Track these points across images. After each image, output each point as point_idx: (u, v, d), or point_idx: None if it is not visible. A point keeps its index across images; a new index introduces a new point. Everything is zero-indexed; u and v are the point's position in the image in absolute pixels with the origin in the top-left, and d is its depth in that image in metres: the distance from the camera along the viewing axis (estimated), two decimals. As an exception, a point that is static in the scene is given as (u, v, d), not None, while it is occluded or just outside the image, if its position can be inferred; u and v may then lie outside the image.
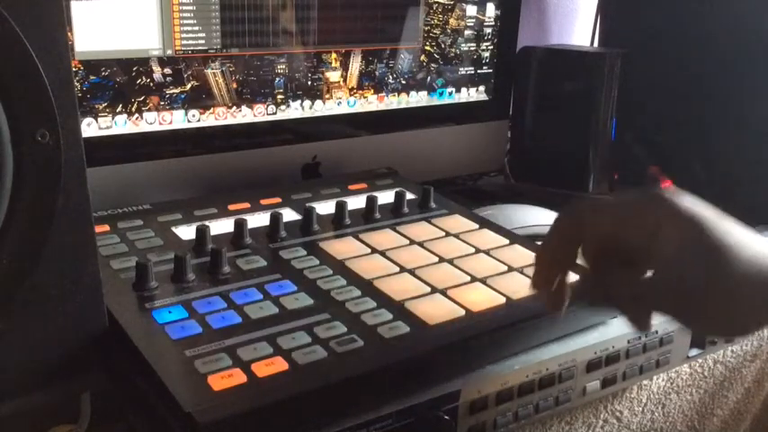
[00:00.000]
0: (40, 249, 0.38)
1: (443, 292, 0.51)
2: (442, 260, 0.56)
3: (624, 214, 0.43)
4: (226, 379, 0.40)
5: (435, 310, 0.49)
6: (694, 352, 0.59)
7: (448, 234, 0.61)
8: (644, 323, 0.43)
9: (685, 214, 0.41)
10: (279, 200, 0.65)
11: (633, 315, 0.43)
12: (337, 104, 0.77)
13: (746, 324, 0.42)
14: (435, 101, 0.85)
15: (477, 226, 0.63)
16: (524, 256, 0.58)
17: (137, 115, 0.66)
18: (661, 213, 0.41)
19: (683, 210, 0.41)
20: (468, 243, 0.59)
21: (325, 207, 0.63)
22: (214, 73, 0.69)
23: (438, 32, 0.82)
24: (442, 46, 0.83)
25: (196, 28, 0.66)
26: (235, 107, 0.71)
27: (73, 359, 0.42)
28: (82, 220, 0.40)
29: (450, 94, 0.86)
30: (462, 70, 0.86)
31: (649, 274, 0.43)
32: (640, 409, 0.61)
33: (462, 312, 0.49)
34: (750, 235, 0.41)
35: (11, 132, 0.36)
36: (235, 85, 0.70)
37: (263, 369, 0.42)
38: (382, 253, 0.57)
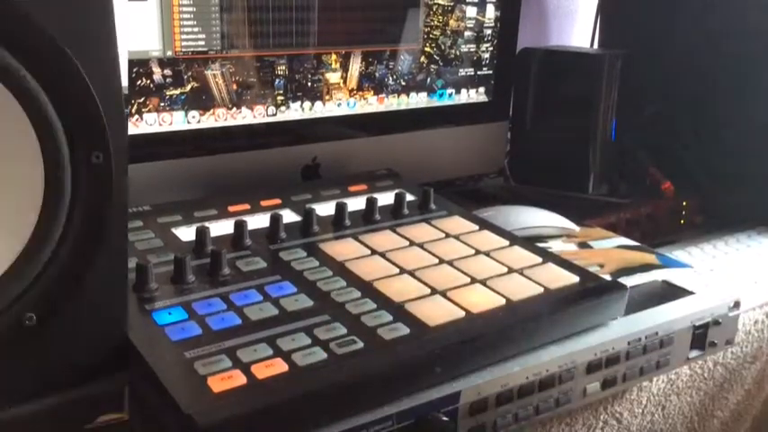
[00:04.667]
0: (92, 257, 0.42)
1: (443, 294, 0.51)
2: (441, 261, 0.56)
3: None
4: (225, 380, 0.40)
5: (435, 312, 0.49)
6: (694, 353, 0.59)
7: (448, 235, 0.61)
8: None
9: None
10: (279, 201, 0.65)
11: None
12: (337, 106, 0.77)
13: None
14: (435, 102, 0.85)
15: (476, 227, 0.63)
16: (524, 258, 0.58)
17: (137, 116, 0.66)
18: None
19: None
20: (467, 244, 0.59)
21: (325, 208, 0.63)
22: (214, 74, 0.69)
23: (438, 34, 0.82)
24: (442, 47, 0.83)
25: (196, 29, 0.66)
26: (235, 108, 0.71)
27: (117, 355, 0.44)
28: (123, 231, 0.44)
29: (450, 95, 0.86)
30: (462, 71, 0.86)
31: None
32: (640, 410, 0.61)
33: (462, 314, 0.49)
34: None
35: (69, 153, 0.40)
36: (235, 87, 0.70)
37: (262, 371, 0.42)
38: (382, 254, 0.57)
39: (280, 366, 0.42)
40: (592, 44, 1.04)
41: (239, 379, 0.41)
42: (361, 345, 0.45)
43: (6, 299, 0.40)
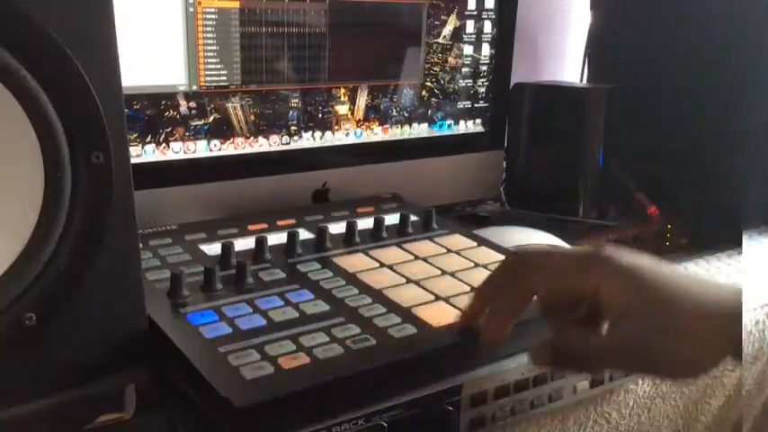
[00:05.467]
0: (92, 257, 0.43)
1: (446, 300, 0.57)
2: (444, 273, 0.62)
3: (566, 274, 0.45)
4: (256, 370, 0.45)
5: (439, 315, 0.54)
6: (676, 357, 0.64)
7: (449, 251, 0.67)
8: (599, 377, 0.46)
9: (623, 270, 0.42)
10: (293, 221, 0.70)
11: (589, 373, 0.46)
12: (345, 135, 0.83)
13: (702, 364, 0.43)
14: (435, 132, 0.91)
15: (475, 244, 0.69)
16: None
17: (164, 145, 0.72)
18: (600, 272, 0.43)
19: (620, 266, 0.43)
20: (467, 258, 0.65)
21: (336, 227, 0.68)
22: (234, 106, 0.75)
23: (438, 70, 0.89)
24: (442, 82, 0.90)
25: (219, 66, 0.73)
26: (252, 137, 0.77)
27: (117, 356, 0.46)
28: (128, 232, 0.45)
29: (449, 126, 0.92)
30: (460, 104, 0.92)
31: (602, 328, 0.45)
32: (627, 412, 0.66)
33: (463, 316, 0.55)
34: (692, 278, 0.44)
35: (69, 154, 0.41)
36: (253, 118, 0.76)
37: (288, 362, 0.47)
38: (390, 267, 0.62)
39: (302, 359, 0.47)
40: (581, 80, 1.10)
41: (268, 369, 0.46)
42: (373, 342, 0.50)
43: (6, 299, 0.40)
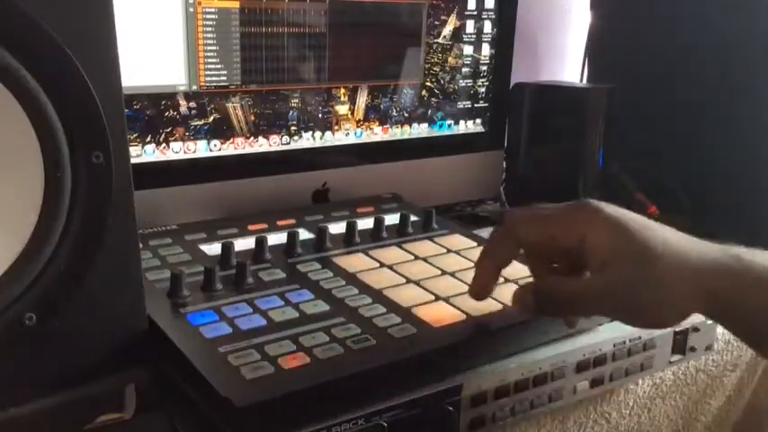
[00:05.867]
0: (92, 257, 0.43)
1: (446, 300, 0.57)
2: (444, 273, 0.62)
3: (554, 224, 0.47)
4: (256, 370, 0.45)
5: (439, 315, 0.54)
6: (676, 357, 0.64)
7: (449, 251, 0.67)
8: (573, 322, 0.49)
9: (610, 220, 0.45)
10: (293, 221, 0.71)
11: (572, 318, 0.48)
12: (345, 135, 0.83)
13: (675, 314, 0.46)
14: (435, 132, 0.91)
15: (475, 244, 0.69)
16: (519, 270, 0.63)
17: (164, 145, 0.72)
18: (587, 221, 0.45)
19: (608, 216, 0.45)
20: (467, 258, 0.65)
21: (336, 227, 0.69)
22: (234, 107, 0.75)
23: (437, 70, 0.89)
24: (442, 82, 0.90)
25: (219, 66, 0.73)
26: (252, 137, 0.77)
27: (118, 355, 0.46)
28: (128, 232, 0.45)
29: (449, 126, 0.92)
30: (460, 104, 0.92)
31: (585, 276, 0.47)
32: (628, 412, 0.66)
33: (464, 317, 0.54)
34: (672, 232, 0.46)
35: (69, 154, 0.41)
36: (253, 118, 0.76)
37: (288, 362, 0.47)
38: (390, 267, 0.62)
39: (302, 359, 0.47)
40: (581, 80, 1.10)
41: (268, 369, 0.46)
42: (373, 342, 0.50)
43: (6, 299, 0.40)
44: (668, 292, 0.44)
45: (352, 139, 0.84)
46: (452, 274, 0.62)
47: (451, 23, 0.88)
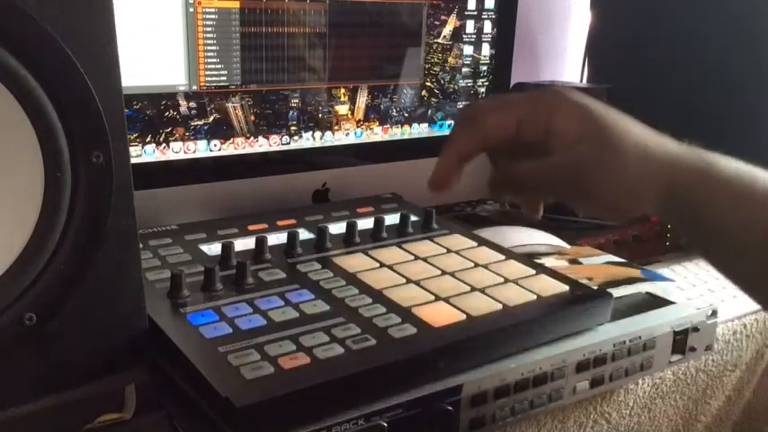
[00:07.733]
0: (92, 257, 0.43)
1: (446, 300, 0.57)
2: (444, 273, 0.62)
3: (520, 108, 0.47)
4: (256, 370, 0.45)
5: (439, 315, 0.54)
6: (676, 357, 0.64)
7: (449, 251, 0.67)
8: (537, 208, 0.49)
9: (577, 104, 0.45)
10: (293, 221, 0.71)
11: (535, 204, 0.48)
12: (345, 135, 0.84)
13: (631, 202, 0.46)
14: (436, 132, 0.91)
15: (475, 244, 0.69)
16: (519, 270, 0.63)
17: (164, 145, 0.72)
18: (554, 105, 0.45)
19: (574, 100, 0.45)
20: (467, 258, 0.65)
21: (336, 228, 0.69)
22: (234, 106, 0.75)
23: (438, 70, 0.89)
24: (442, 82, 0.90)
25: (219, 66, 0.73)
26: (252, 137, 0.77)
27: (117, 356, 0.47)
28: (128, 232, 0.45)
29: (450, 126, 0.92)
30: (460, 104, 0.92)
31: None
32: (628, 412, 0.66)
33: (463, 317, 0.54)
34: (634, 123, 0.46)
35: (69, 154, 0.41)
36: (253, 118, 0.77)
37: (288, 362, 0.47)
38: (390, 267, 0.62)
39: (302, 359, 0.47)
40: (581, 80, 1.10)
41: (268, 369, 0.46)
42: (373, 342, 0.50)
43: (6, 299, 0.40)
44: (627, 179, 0.44)
45: (352, 139, 0.84)
46: (452, 274, 0.62)
47: (451, 23, 0.88)
